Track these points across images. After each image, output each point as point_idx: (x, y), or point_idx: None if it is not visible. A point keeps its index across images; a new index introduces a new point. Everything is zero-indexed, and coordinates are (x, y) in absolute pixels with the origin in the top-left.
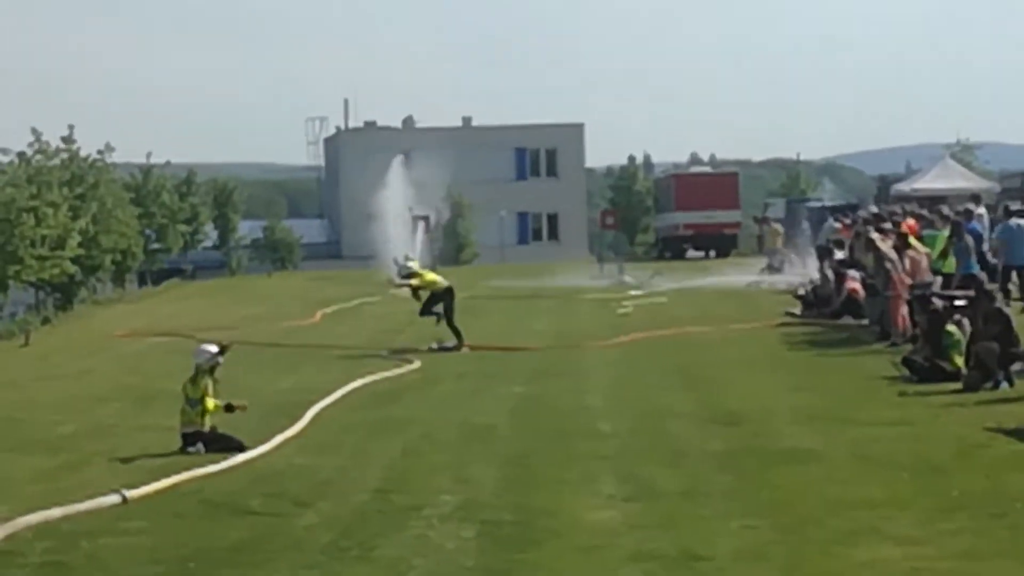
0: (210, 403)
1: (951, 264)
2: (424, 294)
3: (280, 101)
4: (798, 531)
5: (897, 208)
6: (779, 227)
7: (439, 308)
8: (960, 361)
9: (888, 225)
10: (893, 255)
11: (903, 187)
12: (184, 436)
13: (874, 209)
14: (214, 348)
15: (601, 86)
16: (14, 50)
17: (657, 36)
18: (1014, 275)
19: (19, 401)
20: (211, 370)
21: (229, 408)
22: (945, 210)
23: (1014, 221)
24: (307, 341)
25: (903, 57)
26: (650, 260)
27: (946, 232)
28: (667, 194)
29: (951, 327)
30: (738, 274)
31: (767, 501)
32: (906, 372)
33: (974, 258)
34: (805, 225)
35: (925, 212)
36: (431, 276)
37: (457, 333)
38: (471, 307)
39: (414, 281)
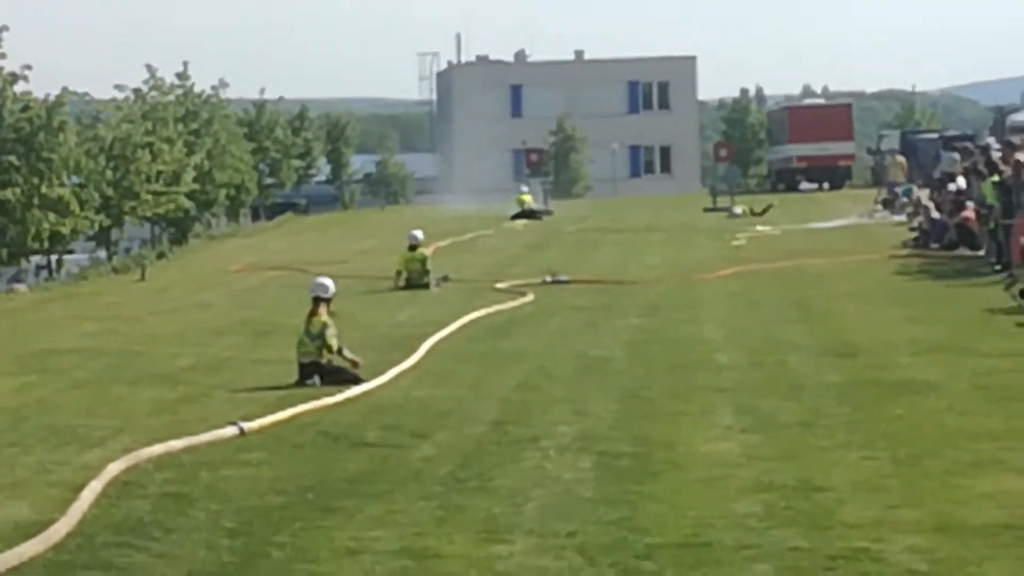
0: (332, 341)
1: None
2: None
3: (392, 36)
4: (917, 462)
5: (1016, 139)
6: (902, 159)
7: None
8: None
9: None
10: None
11: (1019, 117)
12: (301, 367)
13: (990, 140)
14: (330, 282)
15: (713, 18)
16: None
17: None
18: None
19: (138, 335)
20: (327, 303)
21: (340, 352)
22: None
23: None
24: None
25: None
26: (763, 192)
27: None
28: (780, 126)
29: None
30: (856, 214)
31: (886, 433)
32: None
33: None
34: (943, 155)
35: None
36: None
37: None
38: (584, 240)
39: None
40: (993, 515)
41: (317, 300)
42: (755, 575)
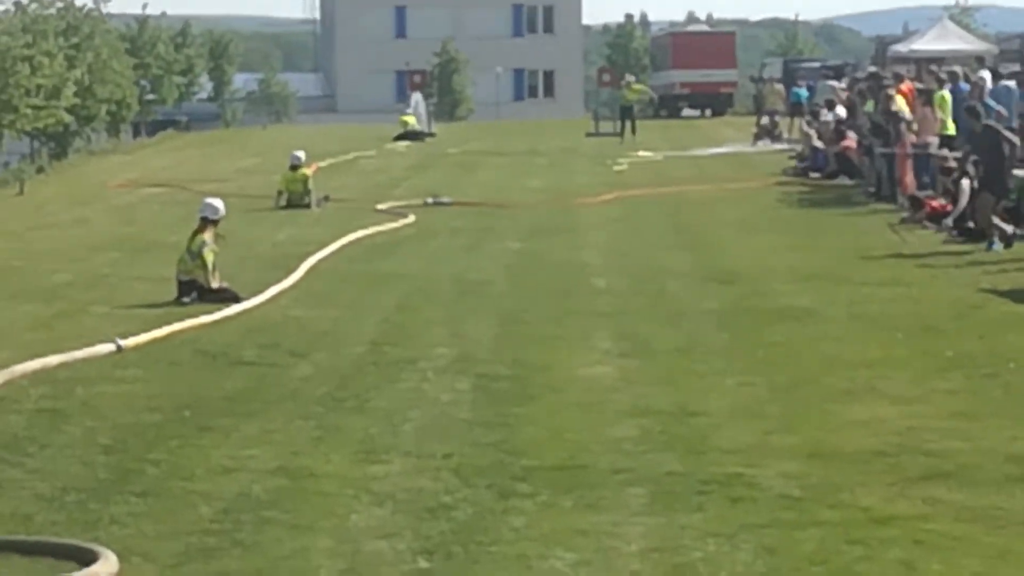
0: (209, 257)
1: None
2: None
3: None
4: (793, 389)
5: (901, 69)
6: (780, 87)
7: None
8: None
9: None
10: (908, 113)
11: (900, 48)
12: (180, 285)
13: (872, 69)
14: (220, 203)
15: None
16: None
17: None
18: None
19: (15, 249)
20: (215, 224)
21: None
22: (942, 73)
23: (1003, 84)
24: None
25: None
26: (645, 118)
27: (946, 93)
28: (664, 52)
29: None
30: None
31: (763, 359)
32: (903, 236)
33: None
34: (823, 84)
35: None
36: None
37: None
38: (467, 163)
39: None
40: (866, 442)
41: (205, 220)
42: (629, 498)
